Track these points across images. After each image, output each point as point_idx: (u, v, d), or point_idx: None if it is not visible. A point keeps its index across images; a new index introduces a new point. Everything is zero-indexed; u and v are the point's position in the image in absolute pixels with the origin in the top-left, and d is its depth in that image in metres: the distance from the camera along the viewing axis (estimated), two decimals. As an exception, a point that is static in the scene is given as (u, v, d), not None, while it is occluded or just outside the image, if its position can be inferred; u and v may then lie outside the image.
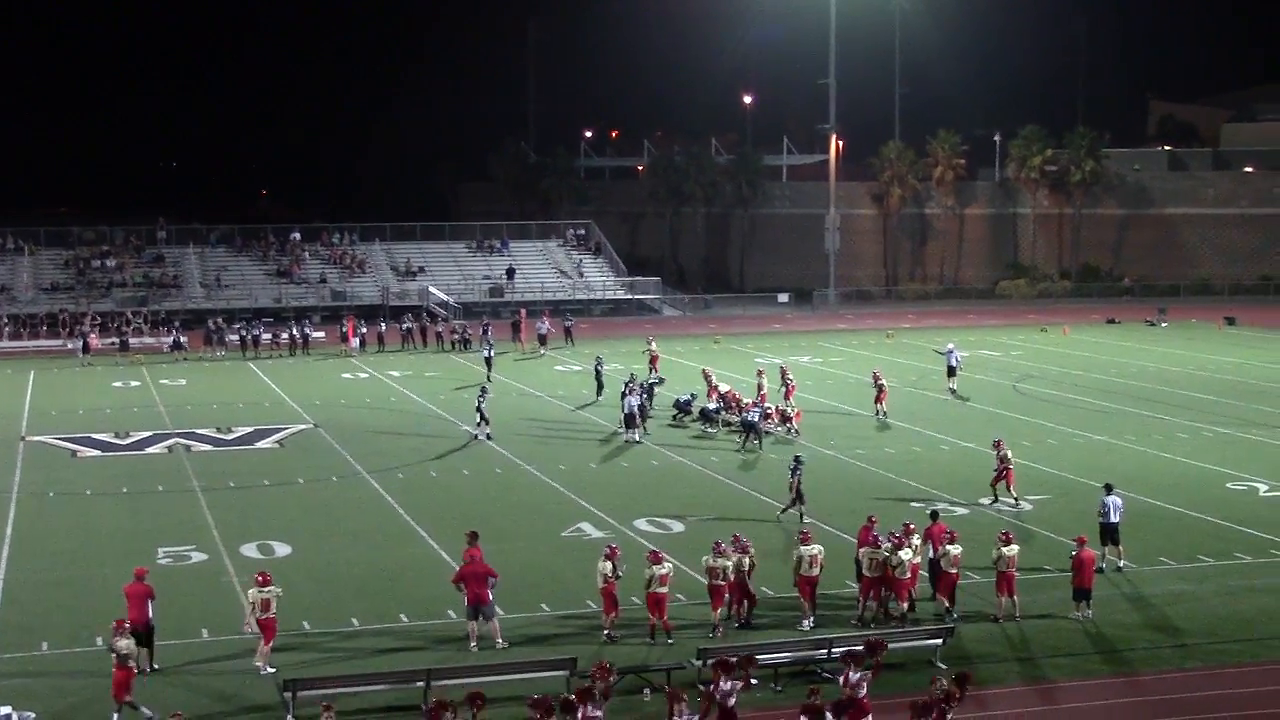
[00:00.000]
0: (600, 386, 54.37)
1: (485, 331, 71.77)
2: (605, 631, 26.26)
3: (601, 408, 52.37)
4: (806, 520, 33.58)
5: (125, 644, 22.72)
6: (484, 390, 48.70)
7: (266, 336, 72.50)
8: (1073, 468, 41.01)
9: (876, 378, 50.74)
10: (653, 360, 59.83)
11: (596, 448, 45.30)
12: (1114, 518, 30.58)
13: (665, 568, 26.25)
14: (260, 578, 25.10)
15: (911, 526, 28.11)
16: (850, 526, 33.31)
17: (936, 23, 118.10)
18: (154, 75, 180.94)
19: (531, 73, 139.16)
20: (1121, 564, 30.42)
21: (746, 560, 26.97)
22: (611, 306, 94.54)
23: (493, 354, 62.28)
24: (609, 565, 26.21)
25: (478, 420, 46.36)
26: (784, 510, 35.07)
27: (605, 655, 24.87)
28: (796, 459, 35.90)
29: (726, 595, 26.75)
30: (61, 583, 30.24)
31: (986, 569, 28.47)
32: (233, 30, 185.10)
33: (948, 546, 27.19)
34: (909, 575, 27.08)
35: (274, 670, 24.26)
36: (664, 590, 26.05)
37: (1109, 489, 31.29)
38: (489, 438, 45.98)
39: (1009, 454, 36.59)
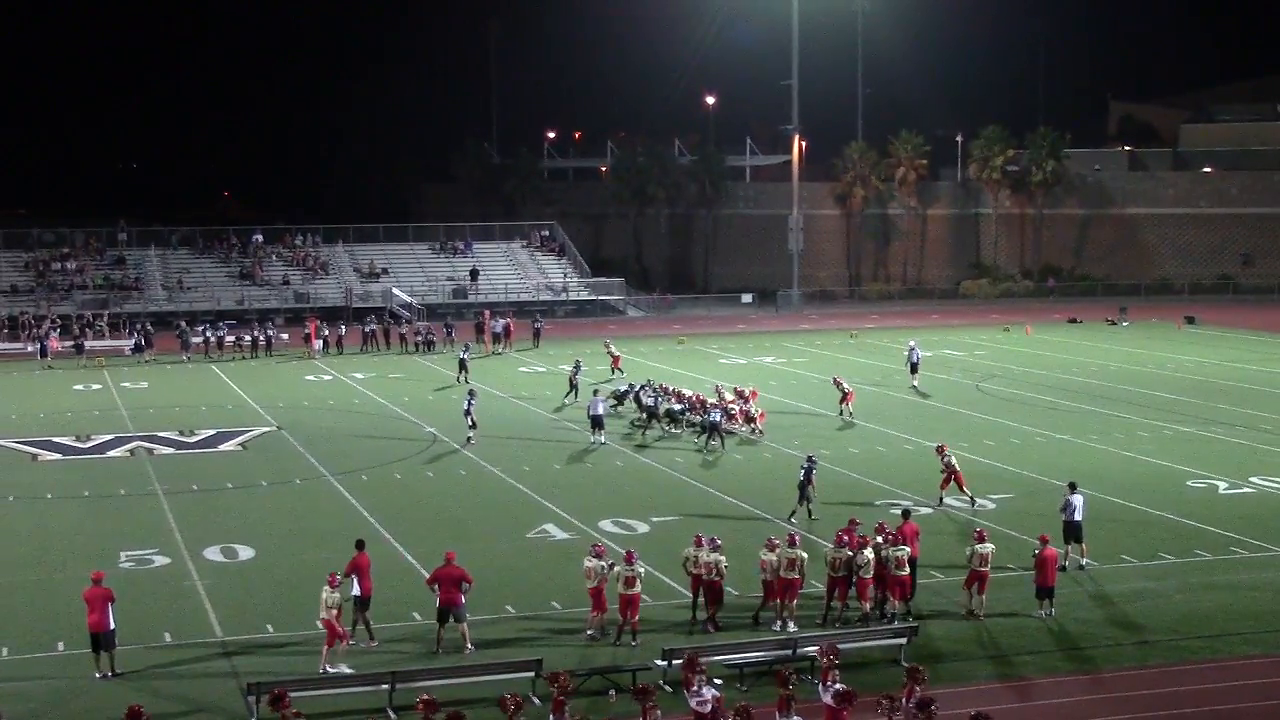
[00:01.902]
0: (574, 389, 53.87)
1: (449, 333, 71.83)
2: (589, 630, 26.27)
3: (571, 409, 52.33)
4: (793, 520, 33.94)
5: None
6: (472, 394, 48.16)
7: (230, 339, 72.13)
8: (1035, 467, 41.23)
9: (838, 383, 50.75)
10: (614, 362, 59.96)
11: (561, 449, 45.25)
12: (1078, 516, 30.77)
13: (638, 568, 26.23)
14: (331, 578, 25.08)
15: (887, 527, 28.19)
16: (814, 527, 33.54)
17: (898, 24, 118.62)
18: (114, 75, 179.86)
19: (494, 73, 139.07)
20: (1085, 562, 30.59)
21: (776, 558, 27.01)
22: (575, 307, 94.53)
23: (468, 356, 61.68)
24: (600, 563, 26.19)
25: (470, 424, 46.03)
26: (792, 514, 34.84)
27: (571, 655, 24.91)
28: (810, 459, 36.03)
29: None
30: (22, 587, 29.99)
31: (949, 567, 28.64)
32: (193, 29, 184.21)
33: (865, 552, 27.15)
34: (870, 575, 27.17)
35: (333, 671, 24.20)
36: (636, 591, 26.05)
37: (1073, 487, 31.48)
38: (469, 441, 45.77)
39: (953, 459, 36.64)
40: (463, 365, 60.35)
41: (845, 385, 50.43)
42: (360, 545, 27.09)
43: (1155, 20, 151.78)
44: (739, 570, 28.30)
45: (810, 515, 34.80)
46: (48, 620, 27.40)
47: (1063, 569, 29.22)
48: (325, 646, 24.75)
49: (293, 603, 28.36)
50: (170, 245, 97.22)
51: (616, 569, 26.12)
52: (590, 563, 26.37)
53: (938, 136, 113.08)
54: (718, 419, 44.82)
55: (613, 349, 61.64)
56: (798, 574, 26.72)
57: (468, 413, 46.16)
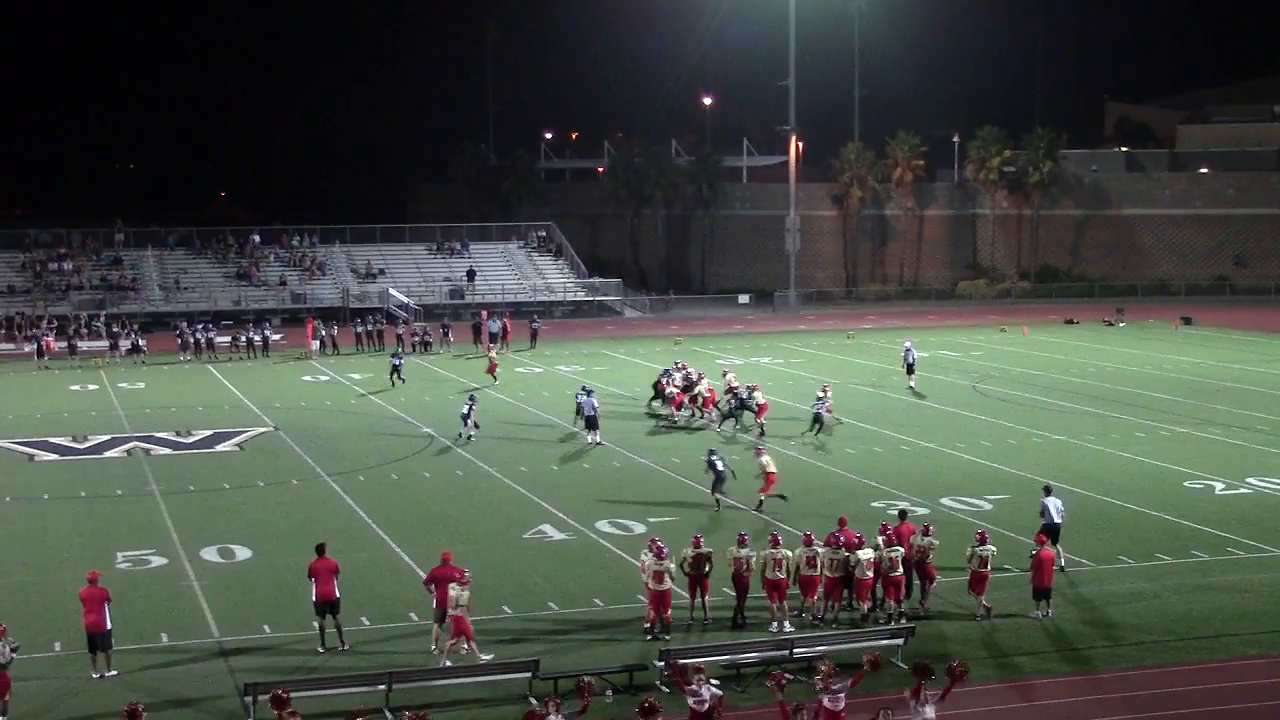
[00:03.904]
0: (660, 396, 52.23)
1: (446, 333, 71.84)
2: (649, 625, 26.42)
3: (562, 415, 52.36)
4: (776, 519, 34.09)
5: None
6: (472, 398, 47.80)
7: (224, 339, 72.05)
8: (1032, 467, 41.20)
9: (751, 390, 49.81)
10: (491, 367, 59.38)
11: (557, 449, 45.26)
12: (1055, 518, 30.59)
13: (668, 564, 26.24)
14: (458, 574, 25.14)
15: (889, 528, 28.17)
16: (814, 527, 33.48)
17: (895, 24, 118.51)
18: (111, 75, 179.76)
19: (490, 74, 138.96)
20: (1062, 563, 30.35)
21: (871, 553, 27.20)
22: (573, 308, 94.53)
23: (402, 362, 60.35)
24: (661, 562, 26.19)
25: (471, 425, 45.91)
26: (718, 500, 36.37)
27: (569, 656, 24.92)
28: (710, 451, 37.77)
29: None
30: (19, 588, 29.98)
31: (948, 569, 28.63)
32: (190, 30, 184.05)
33: (858, 553, 27.17)
34: (869, 575, 27.19)
35: (449, 664, 24.38)
36: (667, 587, 26.05)
37: (1048, 491, 31.40)
38: (468, 439, 45.69)
39: (767, 460, 36.83)
40: (395, 370, 59.25)
41: (759, 397, 48.75)
42: (319, 550, 26.78)
43: (1152, 21, 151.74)
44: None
45: (719, 506, 36.08)
46: (44, 621, 27.38)
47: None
48: (450, 640, 24.87)
49: (290, 603, 28.33)
50: (167, 246, 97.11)
51: (648, 563, 26.13)
52: (646, 558, 26.46)
53: (934, 137, 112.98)
54: (819, 410, 46.58)
55: (494, 355, 60.81)
56: (784, 574, 26.76)
57: (467, 416, 46.10)
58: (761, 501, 36.20)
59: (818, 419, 46.50)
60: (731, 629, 26.79)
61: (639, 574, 26.65)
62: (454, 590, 24.97)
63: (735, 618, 27.03)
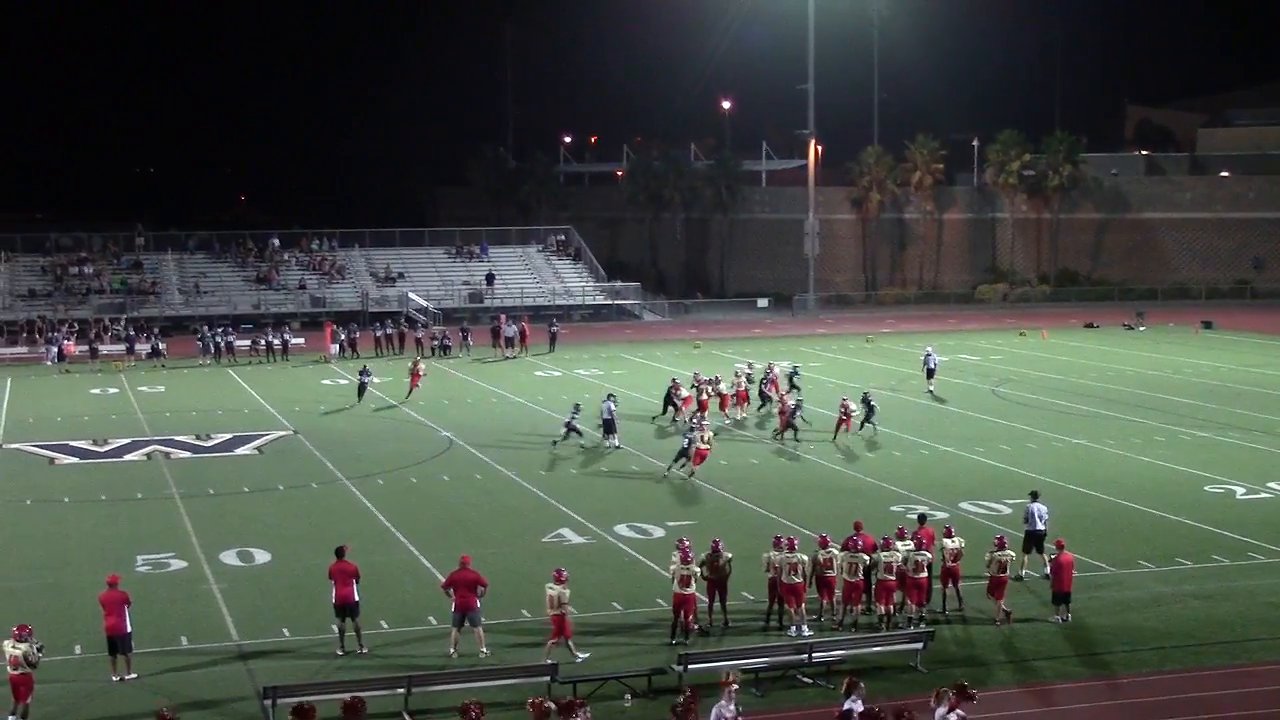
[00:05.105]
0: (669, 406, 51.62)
1: (465, 337, 71.96)
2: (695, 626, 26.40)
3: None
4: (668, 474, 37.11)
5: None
6: (577, 407, 46.88)
7: (244, 343, 72.25)
8: (1052, 471, 41.07)
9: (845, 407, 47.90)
10: (414, 380, 57.67)
11: (576, 454, 45.25)
12: (1039, 525, 30.36)
13: (694, 567, 26.22)
14: (557, 574, 25.14)
15: (906, 532, 28.09)
16: (832, 531, 33.42)
17: (914, 28, 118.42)
18: (131, 79, 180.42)
19: (509, 78, 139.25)
20: (1040, 571, 29.73)
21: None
22: (591, 312, 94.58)
23: (370, 379, 57.94)
24: (686, 565, 26.13)
25: (566, 434, 45.68)
26: (669, 470, 40.67)
27: (586, 659, 24.92)
28: (690, 429, 41.52)
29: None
30: (39, 590, 30.07)
31: (967, 575, 28.54)
32: (210, 34, 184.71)
33: (880, 554, 27.14)
34: (890, 578, 27.10)
35: (583, 658, 24.58)
36: (691, 591, 26.02)
37: (1034, 496, 31.18)
38: (560, 441, 45.79)
39: (700, 437, 40.38)
40: (362, 388, 57.33)
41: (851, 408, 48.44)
42: (339, 553, 26.69)
43: (1172, 24, 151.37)
44: (755, 575, 28.26)
45: (664, 475, 40.52)
46: (64, 624, 27.47)
47: (1019, 579, 29.05)
48: (550, 641, 24.93)
49: (309, 606, 28.35)
50: (187, 249, 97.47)
51: (674, 567, 26.11)
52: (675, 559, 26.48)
53: (954, 141, 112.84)
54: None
55: (421, 367, 59.29)
56: (800, 578, 26.68)
57: (571, 424, 45.89)
58: (693, 472, 40.15)
59: (869, 411, 47.92)
60: (762, 631, 26.76)
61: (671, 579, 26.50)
62: (553, 590, 24.86)
63: (769, 620, 26.98)
